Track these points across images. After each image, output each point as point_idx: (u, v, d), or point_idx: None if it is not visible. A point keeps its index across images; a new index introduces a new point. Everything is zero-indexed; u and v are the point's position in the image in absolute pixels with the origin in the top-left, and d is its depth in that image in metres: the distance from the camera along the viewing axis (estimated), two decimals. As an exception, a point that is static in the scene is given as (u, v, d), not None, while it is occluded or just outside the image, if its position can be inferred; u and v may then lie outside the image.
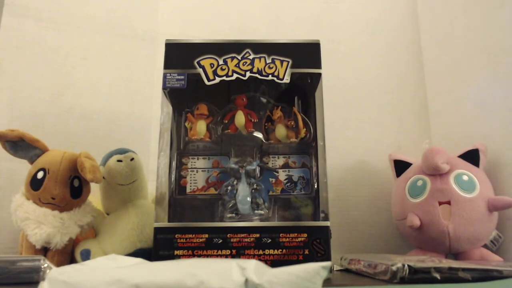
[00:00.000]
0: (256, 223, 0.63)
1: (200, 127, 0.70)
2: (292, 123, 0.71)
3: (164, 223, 0.61)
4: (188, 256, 0.59)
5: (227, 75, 0.66)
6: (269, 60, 0.67)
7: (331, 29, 1.05)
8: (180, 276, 0.39)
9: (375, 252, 0.87)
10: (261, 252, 0.59)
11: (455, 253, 0.76)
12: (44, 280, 0.41)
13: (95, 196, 0.76)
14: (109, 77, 0.95)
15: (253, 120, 0.71)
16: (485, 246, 0.77)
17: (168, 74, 0.67)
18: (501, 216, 0.78)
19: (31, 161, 0.70)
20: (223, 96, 0.72)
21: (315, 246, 0.59)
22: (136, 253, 0.70)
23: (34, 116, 0.85)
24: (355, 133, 1.00)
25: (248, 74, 0.67)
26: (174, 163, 0.68)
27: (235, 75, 0.66)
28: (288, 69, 0.67)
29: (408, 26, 1.08)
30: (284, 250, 0.59)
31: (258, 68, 0.67)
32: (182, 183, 0.70)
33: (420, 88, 1.04)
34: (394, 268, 0.52)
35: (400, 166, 0.86)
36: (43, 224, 0.64)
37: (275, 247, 0.59)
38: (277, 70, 0.67)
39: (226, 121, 0.71)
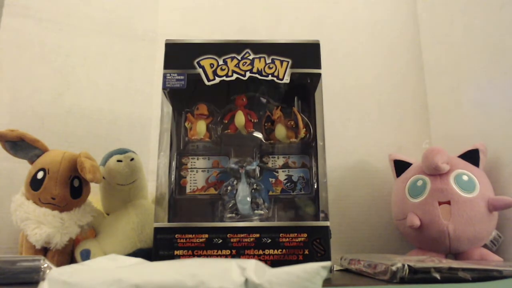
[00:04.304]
0: (256, 223, 0.63)
1: (200, 127, 0.70)
2: (292, 123, 0.71)
3: (164, 223, 0.61)
4: (188, 256, 0.59)
5: (227, 75, 0.66)
6: (269, 60, 0.67)
7: (331, 29, 1.05)
8: (180, 276, 0.39)
9: (375, 252, 0.87)
10: (261, 252, 0.59)
11: (455, 253, 0.76)
12: (44, 280, 0.41)
13: (95, 196, 0.76)
14: (109, 77, 0.95)
15: (253, 120, 0.71)
16: (485, 246, 0.77)
17: (168, 74, 0.67)
18: (501, 216, 0.78)
19: (31, 161, 0.70)
20: (223, 96, 0.72)
21: (315, 246, 0.59)
22: (136, 253, 0.70)
23: (34, 116, 0.85)
24: (355, 133, 1.00)
25: (248, 74, 0.67)
26: (174, 163, 0.68)
27: (235, 75, 0.66)
28: (288, 69, 0.67)
29: (408, 26, 1.08)
30: (284, 250, 0.59)
31: (258, 68, 0.67)
32: (182, 183, 0.70)
33: (420, 88, 1.04)
34: (394, 268, 0.52)
35: (400, 166, 0.86)
36: (43, 224, 0.64)
37: (275, 247, 0.59)
38: (277, 70, 0.67)
39: (226, 121, 0.71)
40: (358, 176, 0.97)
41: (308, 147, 0.70)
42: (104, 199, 0.77)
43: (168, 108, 0.67)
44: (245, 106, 0.71)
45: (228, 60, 0.67)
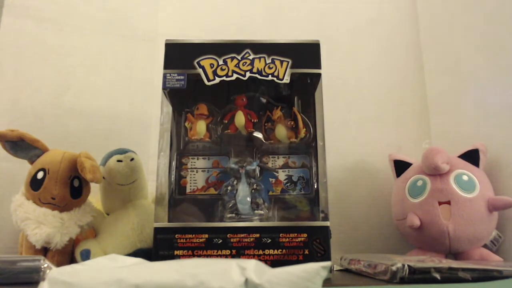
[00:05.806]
0: (256, 223, 0.63)
1: (200, 127, 0.70)
2: (292, 123, 0.71)
3: (164, 223, 0.62)
4: (188, 256, 0.59)
5: (227, 75, 0.66)
6: (269, 60, 0.67)
7: (331, 29, 1.05)
8: (180, 276, 0.39)
9: (375, 252, 0.87)
10: (261, 252, 0.59)
11: (455, 253, 0.76)
12: (44, 280, 0.41)
13: (95, 196, 0.76)
14: (109, 77, 0.95)
15: (253, 120, 0.71)
16: (485, 246, 0.77)
17: (168, 74, 0.67)
18: (501, 216, 0.78)
19: (31, 161, 0.70)
20: (223, 96, 0.72)
21: (315, 246, 0.59)
22: (136, 253, 0.70)
23: (34, 116, 0.85)
24: (355, 133, 1.00)
25: (248, 74, 0.67)
26: (174, 163, 0.68)
27: (235, 75, 0.66)
28: (288, 69, 0.67)
29: (408, 26, 1.08)
30: (284, 250, 0.59)
31: (258, 68, 0.67)
32: (182, 183, 0.70)
33: (420, 88, 1.04)
34: (394, 268, 0.52)
35: (400, 166, 0.86)
36: (43, 224, 0.64)
37: (275, 247, 0.59)
38: (277, 70, 0.67)
39: (226, 121, 0.71)
40: (358, 176, 0.97)
41: (308, 147, 0.70)
42: (104, 199, 0.77)
43: (168, 108, 0.67)
44: (245, 106, 0.72)
45: (228, 60, 0.67)
